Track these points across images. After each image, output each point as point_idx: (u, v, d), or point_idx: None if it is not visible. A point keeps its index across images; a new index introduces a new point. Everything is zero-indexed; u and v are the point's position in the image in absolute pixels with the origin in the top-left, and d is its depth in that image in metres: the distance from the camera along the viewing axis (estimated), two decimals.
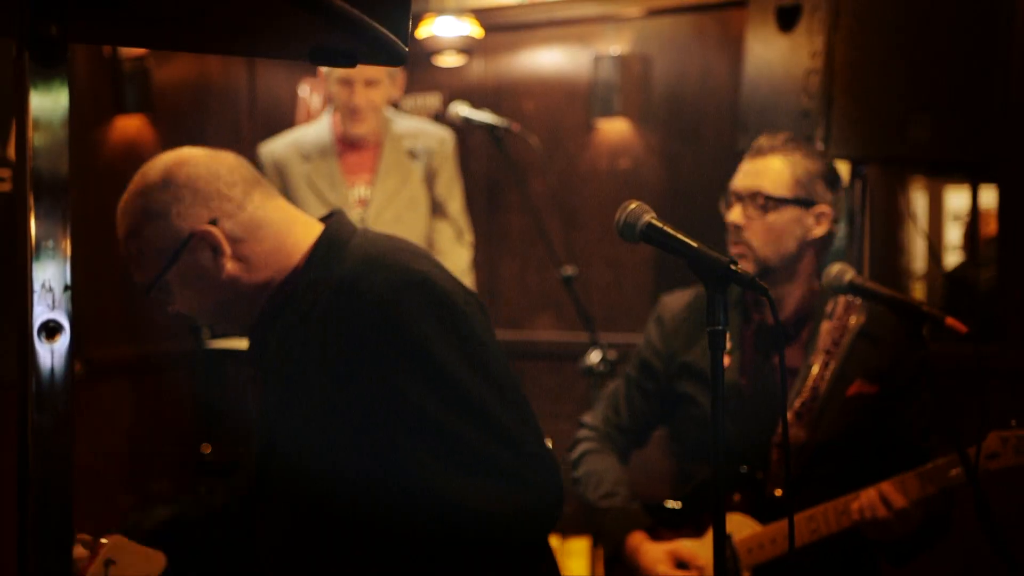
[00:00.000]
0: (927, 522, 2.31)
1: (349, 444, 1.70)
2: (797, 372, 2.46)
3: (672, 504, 2.56)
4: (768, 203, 2.43)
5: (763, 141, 2.49)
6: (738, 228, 2.45)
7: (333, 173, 3.91)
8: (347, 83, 3.83)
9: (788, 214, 2.44)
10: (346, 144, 3.94)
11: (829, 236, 2.50)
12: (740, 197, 2.46)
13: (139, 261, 1.79)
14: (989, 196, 4.23)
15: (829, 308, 2.51)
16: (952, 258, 6.59)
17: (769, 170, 2.44)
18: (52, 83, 0.84)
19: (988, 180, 4.13)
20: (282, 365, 1.80)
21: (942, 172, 5.93)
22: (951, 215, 6.71)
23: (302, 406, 1.75)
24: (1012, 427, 2.17)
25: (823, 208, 2.46)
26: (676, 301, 2.67)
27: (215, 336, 4.11)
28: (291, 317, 1.78)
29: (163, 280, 1.78)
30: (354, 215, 3.90)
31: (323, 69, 3.99)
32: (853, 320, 2.47)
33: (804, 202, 2.44)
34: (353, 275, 1.71)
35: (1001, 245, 3.88)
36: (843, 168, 3.60)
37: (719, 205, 2.55)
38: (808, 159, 2.46)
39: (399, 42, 0.91)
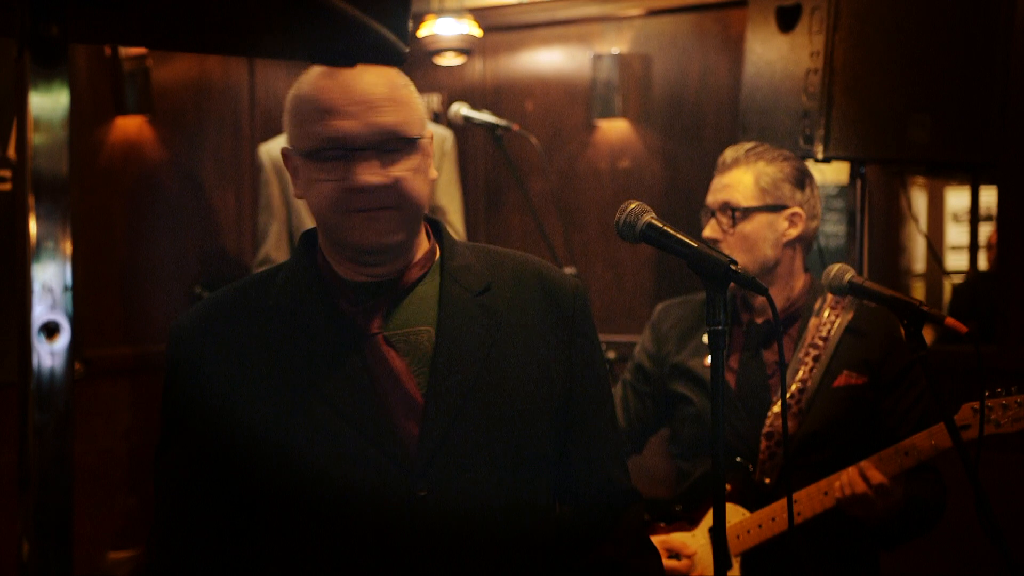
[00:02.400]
0: (912, 503, 2.35)
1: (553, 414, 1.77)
2: (787, 367, 2.51)
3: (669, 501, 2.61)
4: (737, 214, 2.50)
5: (728, 155, 2.56)
6: (714, 242, 2.52)
7: None
8: None
9: (759, 221, 2.50)
10: None
11: (809, 233, 2.57)
12: (712, 212, 2.54)
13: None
14: (989, 197, 4.23)
15: (817, 305, 2.57)
16: (952, 258, 6.59)
17: (735, 183, 2.52)
18: (52, 83, 0.84)
19: (988, 181, 4.13)
20: (475, 336, 1.73)
21: (942, 172, 5.94)
22: (951, 215, 6.71)
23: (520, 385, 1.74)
24: (987, 397, 2.25)
25: (794, 209, 2.53)
26: (670, 307, 2.74)
27: None
28: (459, 288, 1.75)
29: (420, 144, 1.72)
30: None
31: None
32: (841, 316, 2.53)
33: (772, 208, 2.51)
34: (536, 263, 1.84)
35: (1000, 246, 3.88)
36: (843, 168, 3.61)
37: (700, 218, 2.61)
38: (771, 165, 2.52)
39: (399, 42, 0.92)
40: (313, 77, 1.71)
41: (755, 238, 2.50)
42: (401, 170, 1.68)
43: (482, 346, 1.72)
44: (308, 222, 3.91)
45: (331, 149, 1.67)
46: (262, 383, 1.67)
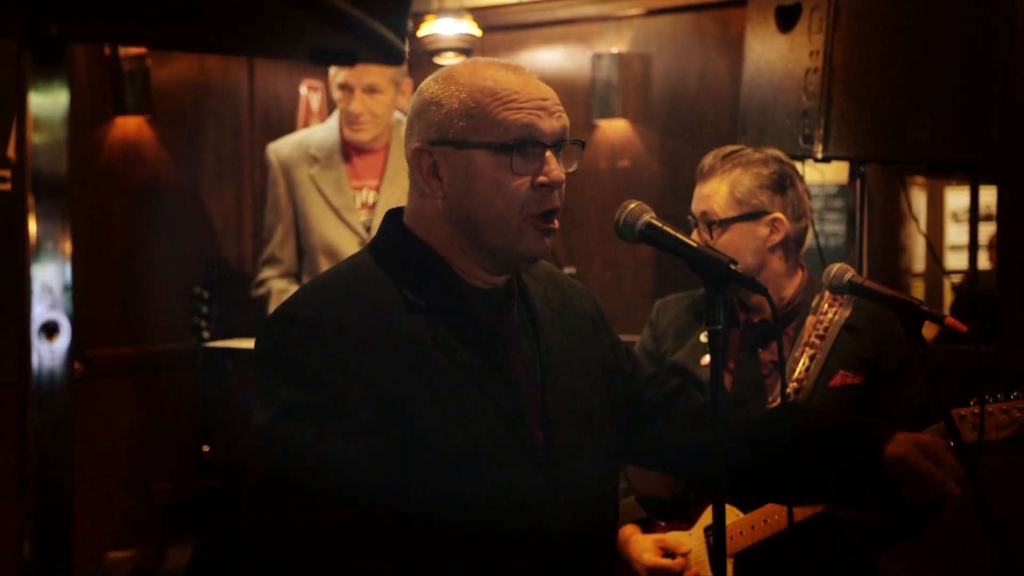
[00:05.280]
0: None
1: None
2: (784, 366, 2.50)
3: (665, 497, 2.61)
4: (714, 226, 2.49)
5: (706, 162, 2.55)
6: None
7: (339, 176, 3.91)
8: (347, 89, 3.82)
9: (738, 231, 2.49)
10: (353, 148, 3.94)
11: (796, 233, 2.55)
12: (696, 221, 2.55)
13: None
14: (988, 196, 4.23)
15: (814, 303, 2.56)
16: (952, 258, 6.59)
17: (713, 193, 2.51)
18: (52, 83, 0.84)
19: (987, 180, 4.13)
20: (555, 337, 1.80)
21: (942, 172, 5.94)
22: (951, 215, 6.71)
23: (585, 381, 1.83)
24: (970, 405, 2.24)
25: (774, 215, 2.50)
26: (669, 305, 2.73)
27: (214, 335, 4.11)
28: (536, 297, 1.81)
29: None
30: (359, 219, 3.89)
31: (330, 73, 3.99)
32: (837, 314, 2.53)
33: (750, 216, 2.49)
34: (551, 270, 1.92)
35: (1000, 246, 3.88)
36: (842, 168, 3.61)
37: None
38: (747, 173, 2.50)
39: (398, 41, 0.92)
40: (487, 71, 1.70)
41: (734, 247, 2.47)
42: (565, 171, 1.70)
43: (568, 352, 1.79)
44: (313, 223, 3.91)
45: (533, 143, 1.66)
46: (411, 377, 1.60)
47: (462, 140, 1.67)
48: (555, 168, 1.66)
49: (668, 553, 2.50)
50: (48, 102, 0.84)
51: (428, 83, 1.76)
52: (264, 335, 1.63)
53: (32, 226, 0.83)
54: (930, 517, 2.48)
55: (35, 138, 0.83)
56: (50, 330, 0.82)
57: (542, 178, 1.65)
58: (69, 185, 0.85)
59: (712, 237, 2.49)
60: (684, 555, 2.48)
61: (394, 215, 1.77)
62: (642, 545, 2.51)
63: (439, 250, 1.70)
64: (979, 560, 2.34)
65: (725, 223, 2.49)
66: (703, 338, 2.58)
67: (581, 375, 1.80)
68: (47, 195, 0.83)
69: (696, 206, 2.55)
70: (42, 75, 0.83)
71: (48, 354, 0.82)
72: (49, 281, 0.82)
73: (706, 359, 2.55)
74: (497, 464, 1.64)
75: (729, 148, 2.57)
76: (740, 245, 2.49)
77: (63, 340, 0.83)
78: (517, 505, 1.65)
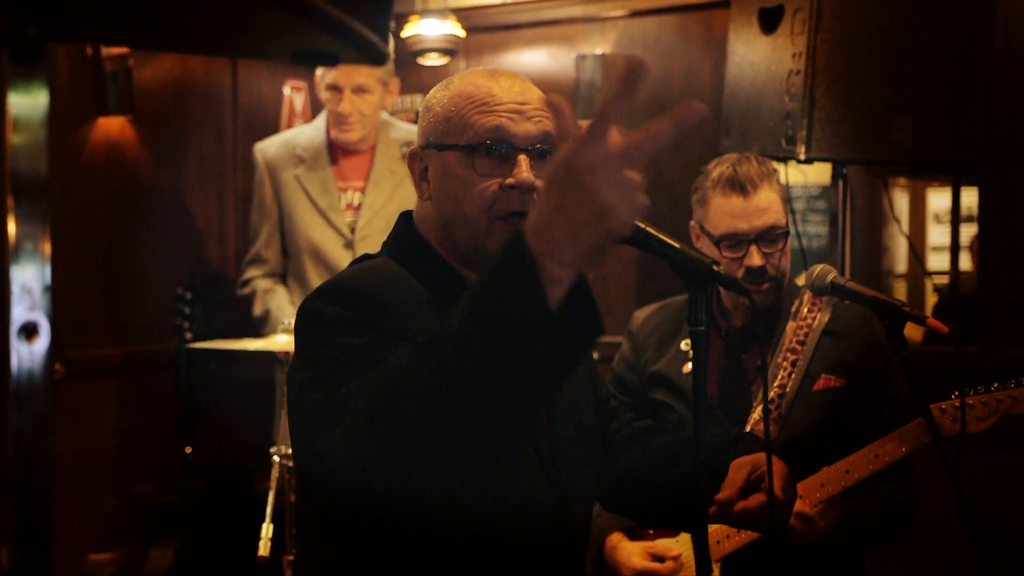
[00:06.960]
0: (856, 524, 2.34)
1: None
2: (766, 370, 2.50)
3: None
4: (782, 235, 2.45)
5: (748, 173, 2.43)
6: (763, 270, 2.43)
7: (325, 177, 3.90)
8: (335, 89, 3.82)
9: (790, 233, 2.50)
10: (340, 149, 3.93)
11: None
12: (753, 240, 2.42)
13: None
14: (970, 198, 4.25)
15: (794, 307, 2.55)
16: (933, 259, 6.62)
17: (771, 204, 2.43)
18: (31, 83, 0.83)
19: (970, 182, 4.15)
20: None
21: (923, 173, 5.96)
22: (932, 216, 6.74)
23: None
24: (951, 399, 2.25)
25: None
26: (647, 314, 2.71)
27: (197, 336, 4.10)
28: None
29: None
30: (345, 220, 3.88)
31: (317, 74, 3.98)
32: (816, 319, 2.52)
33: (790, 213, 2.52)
34: None
35: (981, 247, 3.90)
36: (825, 169, 3.62)
37: (692, 237, 2.51)
38: (774, 176, 2.48)
39: (380, 42, 0.92)
40: (473, 77, 1.74)
41: (789, 250, 2.48)
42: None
43: None
44: (299, 223, 3.91)
45: (501, 144, 1.68)
46: None
47: (440, 143, 1.72)
48: (525, 171, 1.67)
49: (657, 558, 2.50)
50: (28, 102, 0.84)
51: (432, 89, 1.80)
52: (313, 300, 1.63)
53: (12, 227, 0.82)
54: (905, 519, 2.49)
55: (15, 139, 0.83)
56: (29, 331, 0.82)
57: (509, 180, 1.67)
58: (49, 186, 0.84)
59: (779, 246, 2.43)
60: (674, 559, 2.48)
61: (407, 215, 1.82)
62: (630, 551, 2.50)
63: (438, 250, 1.75)
64: (965, 561, 2.35)
65: (787, 229, 2.46)
66: (684, 346, 2.57)
67: (578, 391, 1.84)
68: (27, 196, 0.83)
69: (752, 222, 2.41)
70: (21, 75, 0.83)
71: (27, 355, 0.82)
72: (29, 282, 0.82)
73: (688, 367, 2.54)
74: (505, 462, 1.66)
75: (745, 155, 2.51)
76: (789, 246, 2.49)
77: (42, 341, 0.82)
78: (522, 504, 1.68)
